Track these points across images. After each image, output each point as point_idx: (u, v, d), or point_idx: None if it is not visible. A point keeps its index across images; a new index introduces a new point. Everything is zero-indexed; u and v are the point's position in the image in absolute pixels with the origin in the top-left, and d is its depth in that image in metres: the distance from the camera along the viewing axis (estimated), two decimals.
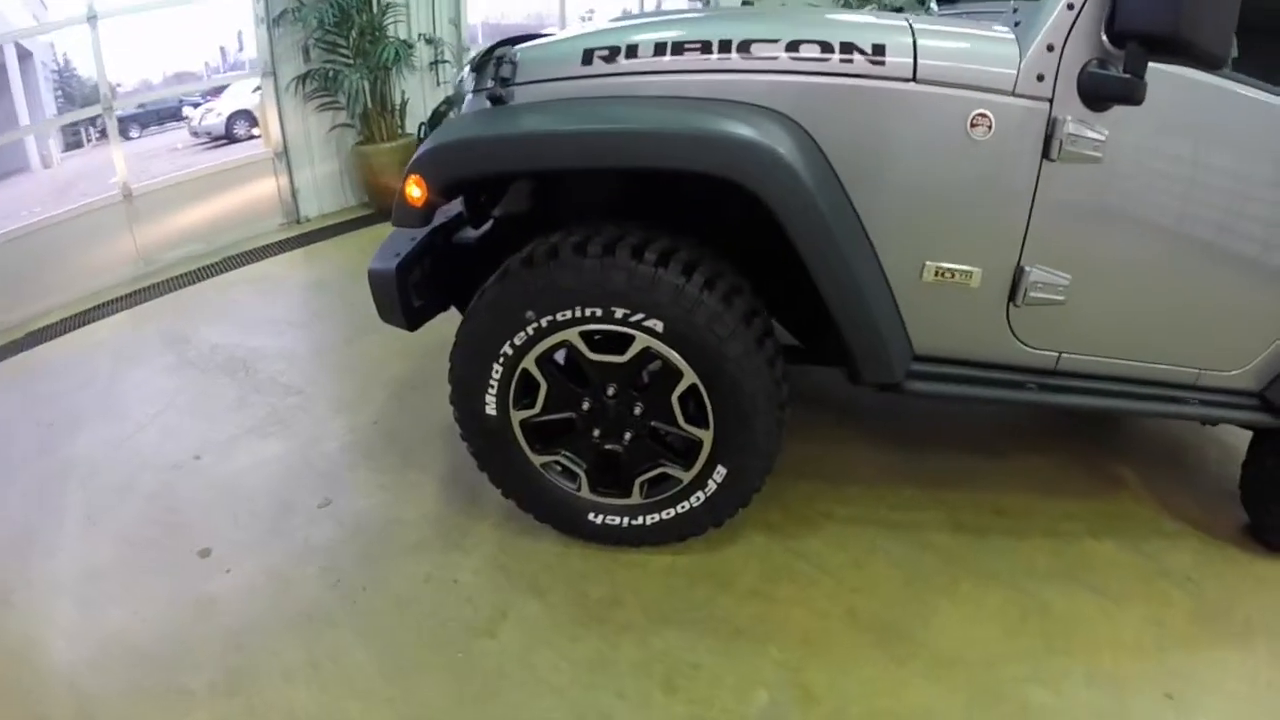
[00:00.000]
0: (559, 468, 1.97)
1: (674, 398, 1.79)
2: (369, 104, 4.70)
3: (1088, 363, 1.87)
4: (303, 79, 4.56)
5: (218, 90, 9.64)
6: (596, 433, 1.89)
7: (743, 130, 1.54)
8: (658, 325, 1.69)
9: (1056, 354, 1.85)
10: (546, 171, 1.70)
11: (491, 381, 1.84)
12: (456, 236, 2.10)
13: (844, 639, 1.80)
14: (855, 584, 1.96)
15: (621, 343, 1.75)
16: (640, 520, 1.97)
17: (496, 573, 1.99)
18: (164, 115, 10.70)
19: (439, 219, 2.06)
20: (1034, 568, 2.02)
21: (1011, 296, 1.75)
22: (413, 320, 1.95)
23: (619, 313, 1.69)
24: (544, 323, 1.74)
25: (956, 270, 1.72)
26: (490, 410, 1.88)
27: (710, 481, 1.87)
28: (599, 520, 1.99)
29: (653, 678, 1.70)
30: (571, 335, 1.76)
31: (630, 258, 1.65)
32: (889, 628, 1.83)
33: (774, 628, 1.82)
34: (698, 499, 1.91)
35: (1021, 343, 1.83)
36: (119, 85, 4.57)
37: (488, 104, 1.76)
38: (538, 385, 1.86)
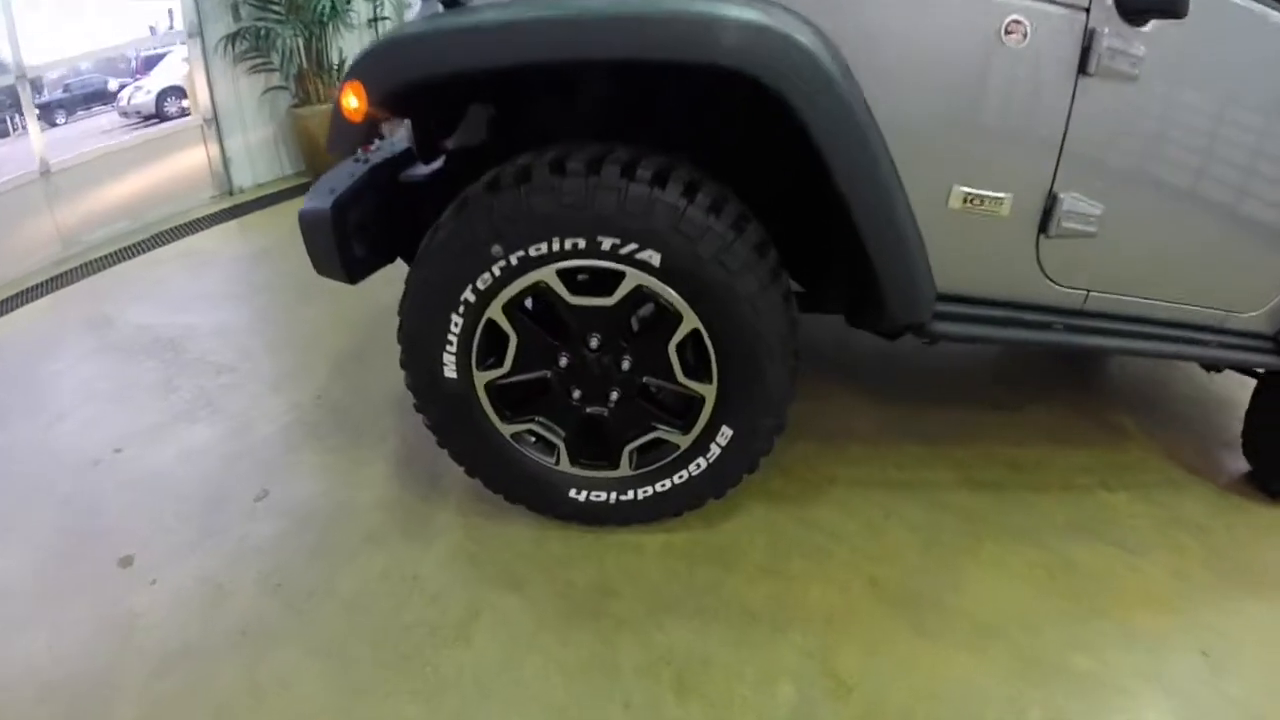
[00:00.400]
0: (533, 438, 1.68)
1: (671, 347, 1.49)
2: (304, 64, 4.30)
3: (1116, 302, 1.69)
4: (232, 39, 4.13)
5: (147, 67, 8.82)
6: (577, 394, 1.59)
7: (758, 17, 1.24)
8: (653, 258, 1.38)
9: (1085, 292, 1.66)
10: (514, 71, 1.34)
11: (450, 337, 1.51)
12: (403, 175, 1.73)
13: (870, 615, 1.56)
14: (873, 553, 1.72)
15: (608, 282, 1.44)
16: (630, 495, 1.68)
17: (464, 564, 1.69)
18: (91, 98, 9.76)
19: (383, 155, 1.69)
20: (1054, 523, 1.84)
21: (1043, 227, 1.55)
22: (353, 271, 1.61)
23: (606, 244, 1.37)
24: (513, 260, 1.41)
25: (986, 197, 1.50)
26: (449, 372, 1.56)
27: (713, 445, 1.58)
28: (581, 497, 1.69)
29: (661, 679, 1.41)
30: (547, 275, 1.44)
31: (620, 176, 1.32)
32: (916, 598, 1.60)
33: (791, 609, 1.57)
34: (698, 467, 1.61)
35: (1050, 280, 1.62)
36: (42, 67, 4.06)
37: (440, 9, 1.40)
38: (506, 339, 1.53)
